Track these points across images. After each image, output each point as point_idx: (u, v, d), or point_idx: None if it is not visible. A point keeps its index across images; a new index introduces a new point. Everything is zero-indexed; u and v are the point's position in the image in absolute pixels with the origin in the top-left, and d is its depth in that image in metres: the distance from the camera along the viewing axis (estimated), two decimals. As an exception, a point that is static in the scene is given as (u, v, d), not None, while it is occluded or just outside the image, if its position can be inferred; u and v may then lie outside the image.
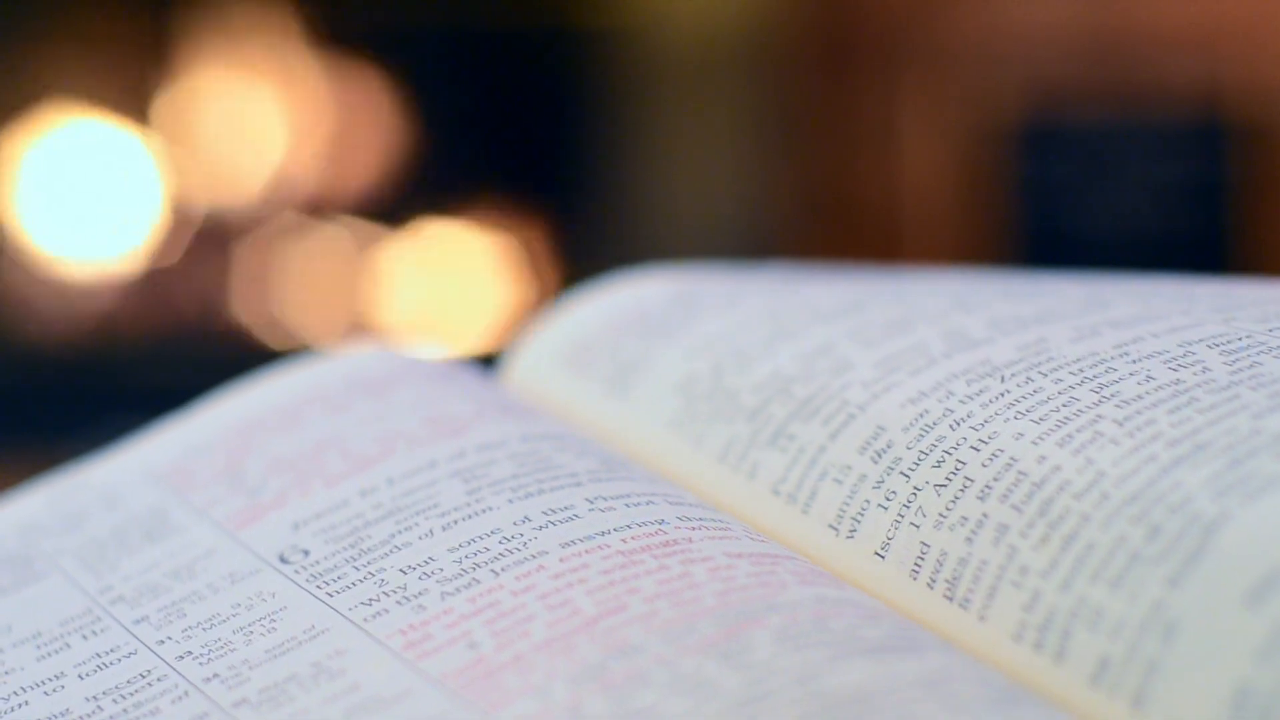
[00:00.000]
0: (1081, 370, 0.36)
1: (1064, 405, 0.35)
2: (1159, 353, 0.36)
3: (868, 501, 0.35)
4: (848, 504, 0.36)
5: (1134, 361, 0.35)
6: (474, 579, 0.34)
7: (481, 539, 0.35)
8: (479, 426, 0.39)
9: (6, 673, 0.35)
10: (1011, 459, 0.34)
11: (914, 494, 0.35)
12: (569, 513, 0.35)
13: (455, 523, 0.36)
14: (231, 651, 0.34)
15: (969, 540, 0.33)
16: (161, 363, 1.67)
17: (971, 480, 0.34)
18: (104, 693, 0.34)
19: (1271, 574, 0.29)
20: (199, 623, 0.35)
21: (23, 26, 1.71)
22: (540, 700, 0.30)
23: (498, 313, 1.70)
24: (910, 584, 0.34)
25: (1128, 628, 0.30)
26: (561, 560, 0.34)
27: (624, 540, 0.34)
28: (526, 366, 0.45)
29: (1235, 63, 1.67)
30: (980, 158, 1.71)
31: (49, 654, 0.35)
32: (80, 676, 0.34)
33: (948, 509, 0.34)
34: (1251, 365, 0.35)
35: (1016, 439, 0.34)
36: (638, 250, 1.64)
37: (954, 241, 1.71)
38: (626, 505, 0.36)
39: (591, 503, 0.36)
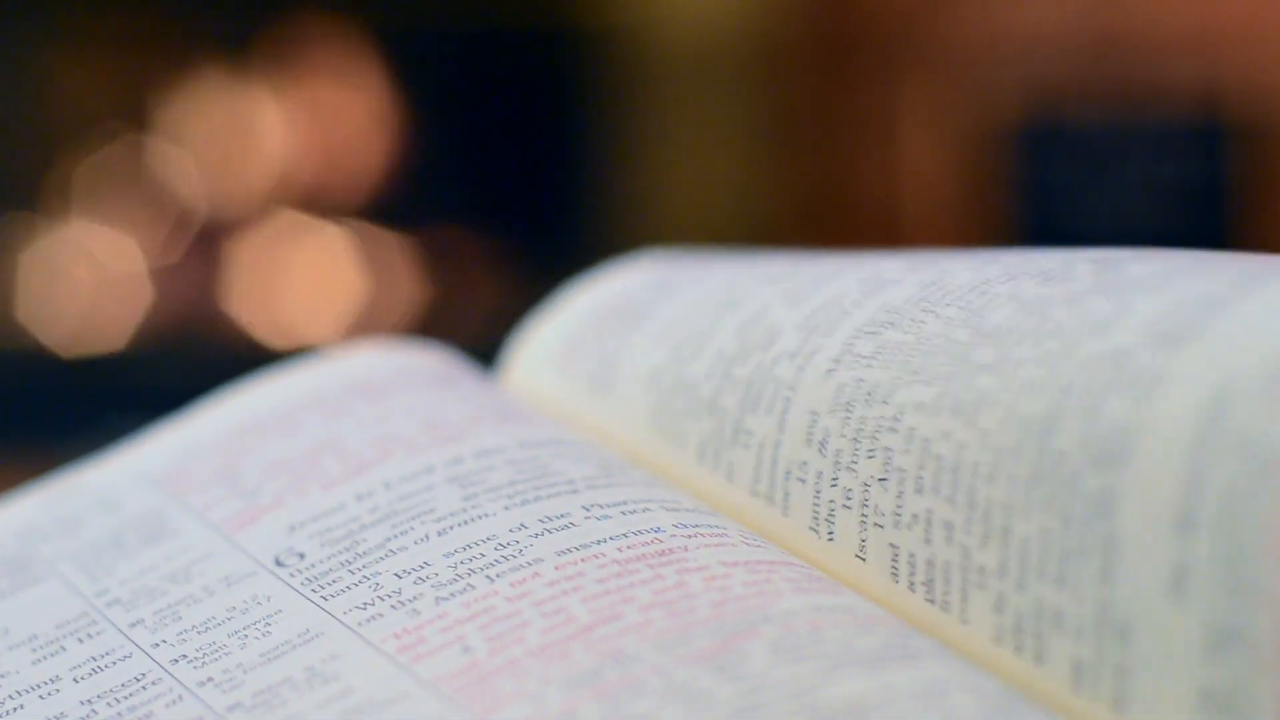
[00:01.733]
0: (963, 299, 0.35)
1: (946, 351, 0.34)
2: (1038, 271, 0.34)
3: (832, 501, 0.35)
4: (817, 505, 0.35)
5: (1010, 280, 0.34)
6: (469, 584, 0.34)
7: (477, 545, 0.35)
8: (477, 432, 0.39)
9: (2, 676, 0.35)
10: (924, 439, 0.33)
11: (865, 491, 0.34)
12: (565, 520, 0.35)
13: (451, 528, 0.35)
14: (226, 655, 0.34)
15: (927, 541, 0.33)
16: (161, 363, 1.67)
17: (903, 471, 0.33)
18: (99, 696, 0.34)
19: (1181, 566, 0.28)
20: (194, 626, 0.35)
21: (24, 30, 1.71)
22: (534, 706, 0.30)
23: (497, 314, 1.70)
24: (894, 588, 0.33)
25: (1087, 630, 0.30)
26: (557, 568, 0.34)
27: (620, 549, 0.34)
28: (523, 366, 0.45)
29: (1235, 63, 1.67)
30: (980, 158, 1.71)
31: (45, 657, 0.35)
32: (76, 680, 0.34)
33: (898, 508, 0.33)
34: (1117, 271, 0.33)
35: (919, 410, 0.33)
36: (638, 250, 1.64)
37: (954, 241, 1.71)
38: (623, 513, 0.36)
39: (588, 510, 0.36)
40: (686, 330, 0.40)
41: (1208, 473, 0.29)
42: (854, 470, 0.34)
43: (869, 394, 0.35)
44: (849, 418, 0.35)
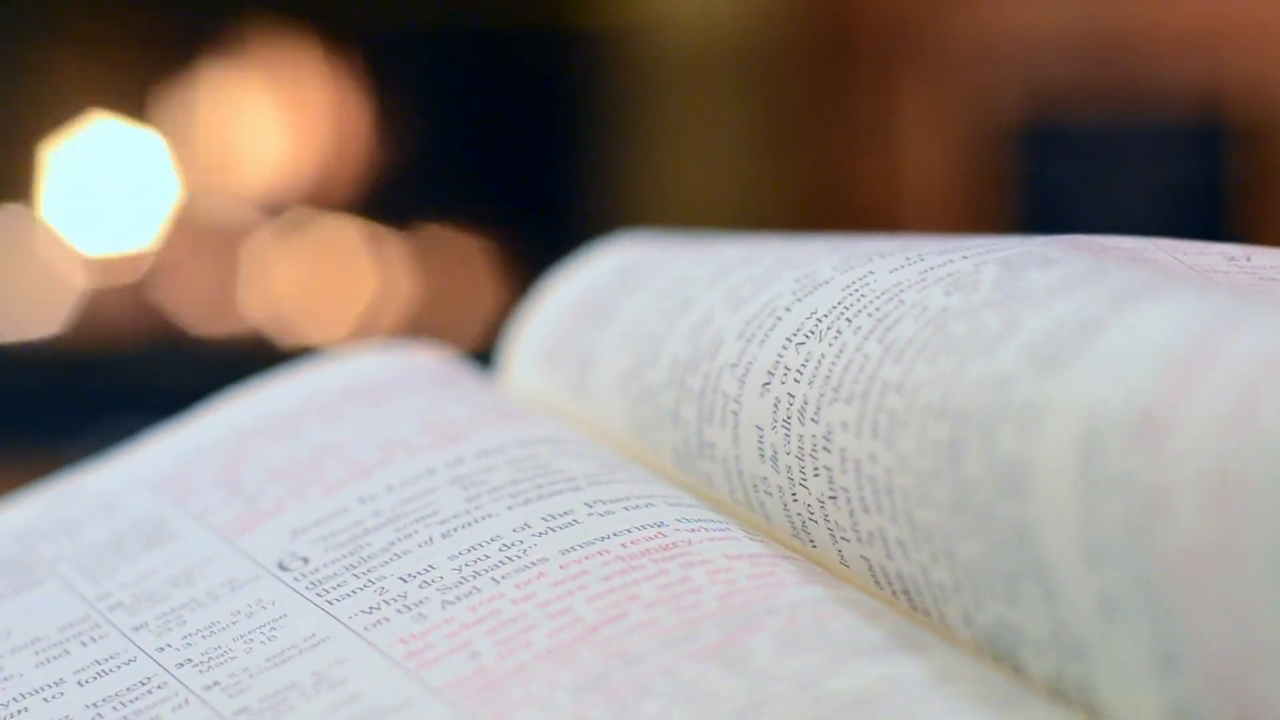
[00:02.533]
0: (877, 308, 0.34)
1: (859, 369, 0.33)
2: (948, 276, 0.34)
3: (800, 515, 0.34)
4: (789, 517, 0.35)
5: (921, 286, 0.34)
6: (474, 587, 0.34)
7: (481, 546, 0.35)
8: (477, 432, 0.39)
9: (6, 679, 0.35)
10: (855, 461, 0.32)
11: (822, 508, 0.34)
12: (568, 518, 0.35)
13: (455, 530, 0.35)
14: (232, 659, 0.33)
15: (889, 556, 0.32)
16: (162, 364, 1.67)
17: (846, 491, 0.33)
18: (104, 700, 0.34)
19: (1105, 595, 0.28)
20: (199, 630, 0.35)
21: (27, 27, 1.71)
22: (543, 710, 0.30)
23: (497, 313, 1.70)
24: (880, 592, 0.33)
25: (1047, 648, 0.29)
26: (562, 567, 0.34)
27: (624, 545, 0.34)
28: (515, 366, 0.45)
29: (1235, 63, 1.67)
30: (980, 158, 1.71)
31: (48, 660, 0.35)
32: (80, 683, 0.34)
33: (855, 525, 0.33)
34: (1017, 279, 0.32)
35: (845, 430, 0.33)
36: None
37: (954, 241, 1.71)
38: (625, 509, 0.35)
39: (590, 507, 0.36)
40: (644, 333, 0.39)
41: (1098, 510, 0.28)
42: (806, 488, 0.34)
43: (801, 411, 0.34)
44: (789, 435, 0.34)
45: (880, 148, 1.74)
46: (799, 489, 0.34)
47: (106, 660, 0.35)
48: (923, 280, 0.34)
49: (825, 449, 0.33)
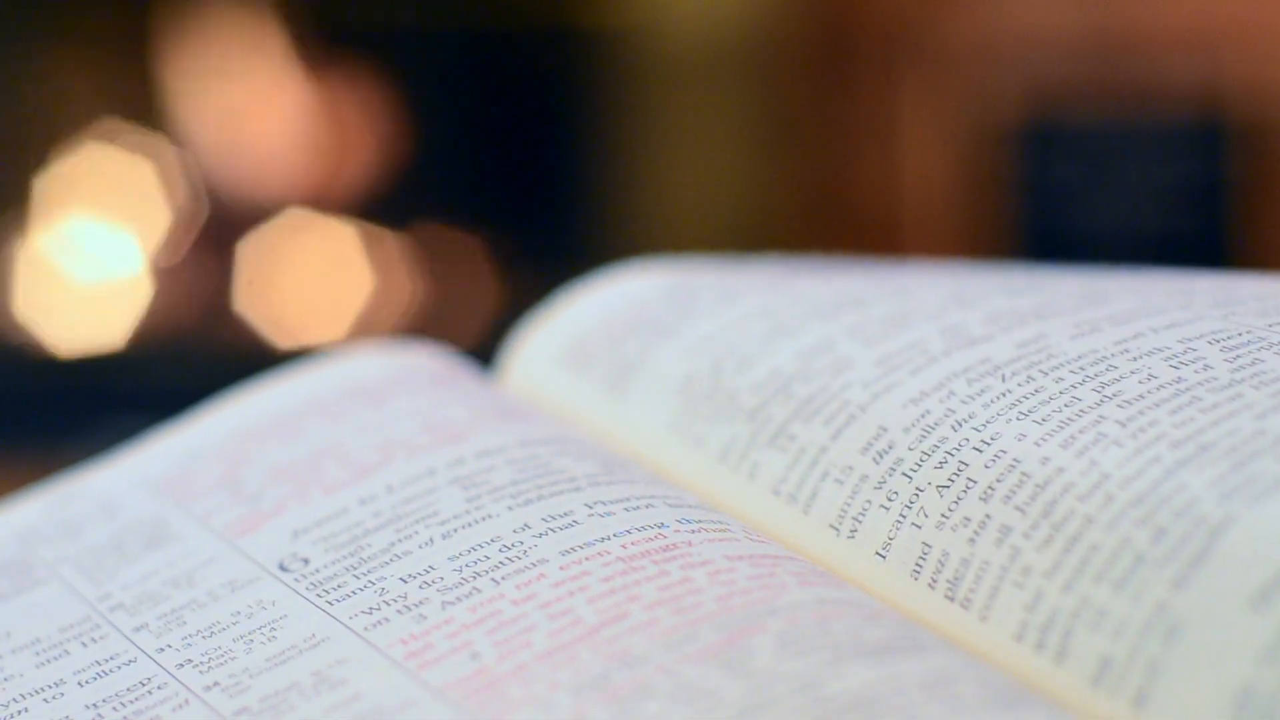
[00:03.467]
0: (1083, 369, 0.36)
1: (1066, 405, 0.35)
2: (1159, 349, 0.36)
3: (869, 502, 0.35)
4: (849, 504, 0.36)
5: (1135, 359, 0.35)
6: (475, 588, 0.34)
7: (482, 547, 0.35)
8: (477, 432, 0.39)
9: (6, 679, 0.35)
10: (1015, 460, 0.34)
11: (916, 495, 0.35)
12: (569, 519, 0.35)
13: (455, 531, 0.35)
14: (232, 660, 0.34)
15: (971, 541, 0.33)
16: (161, 363, 1.67)
17: (974, 481, 0.34)
18: (104, 700, 0.34)
19: (1277, 577, 0.29)
20: (199, 630, 0.35)
21: (22, 29, 1.72)
22: (543, 711, 0.30)
23: (497, 312, 1.70)
24: (911, 584, 0.34)
25: (1130, 629, 0.30)
26: (562, 568, 0.34)
27: (624, 546, 0.34)
28: (524, 366, 0.45)
29: (1235, 63, 1.67)
30: (980, 158, 1.71)
31: (48, 660, 0.35)
32: (80, 684, 0.34)
33: (950, 510, 0.34)
34: (1253, 362, 0.35)
35: (1019, 440, 0.34)
36: (637, 251, 1.64)
37: (954, 242, 1.71)
38: (626, 509, 0.36)
39: (591, 508, 0.36)
40: (728, 347, 0.41)
41: None
42: (909, 476, 0.35)
43: (960, 422, 0.35)
44: (926, 436, 0.36)
45: (880, 148, 1.74)
46: (895, 478, 0.35)
47: (107, 661, 0.35)
48: (1124, 351, 0.36)
49: (976, 449, 0.35)
